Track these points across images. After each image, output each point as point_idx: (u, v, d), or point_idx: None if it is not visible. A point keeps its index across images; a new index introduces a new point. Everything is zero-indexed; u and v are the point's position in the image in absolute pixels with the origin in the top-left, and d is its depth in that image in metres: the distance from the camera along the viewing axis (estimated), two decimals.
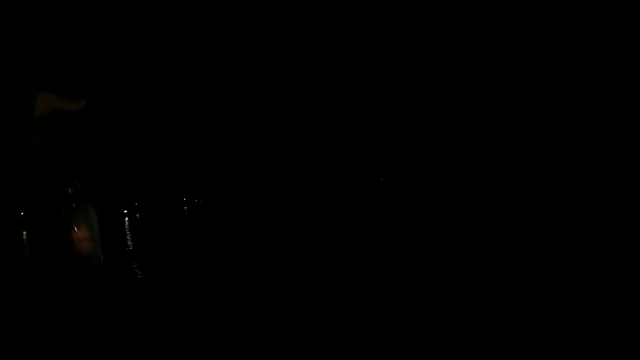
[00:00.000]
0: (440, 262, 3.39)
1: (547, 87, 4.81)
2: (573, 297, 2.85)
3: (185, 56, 4.74)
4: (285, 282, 3.45)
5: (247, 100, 4.77)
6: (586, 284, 2.96)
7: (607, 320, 2.58)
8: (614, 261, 3.19)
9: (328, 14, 4.35)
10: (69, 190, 1.30)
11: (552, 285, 3.01)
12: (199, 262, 4.19)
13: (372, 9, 4.29)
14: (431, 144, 4.36)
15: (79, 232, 1.33)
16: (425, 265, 3.41)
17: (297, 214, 4.11)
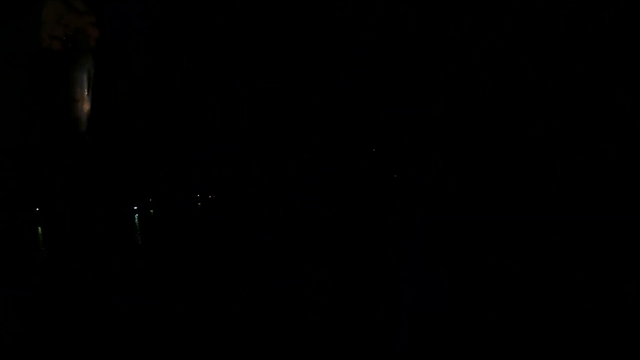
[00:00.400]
0: (440, 262, 3.39)
1: (547, 87, 4.81)
2: (573, 297, 2.85)
3: (185, 56, 4.74)
4: (285, 282, 3.45)
5: (247, 100, 4.77)
6: (586, 284, 2.96)
7: (607, 320, 2.58)
8: (614, 261, 3.19)
9: (328, 14, 4.35)
10: (75, 46, 1.17)
11: (552, 285, 3.01)
12: (199, 262, 4.19)
13: (372, 9, 4.29)
14: (431, 144, 4.36)
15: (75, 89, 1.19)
16: (425, 265, 3.41)
17: (297, 214, 4.11)
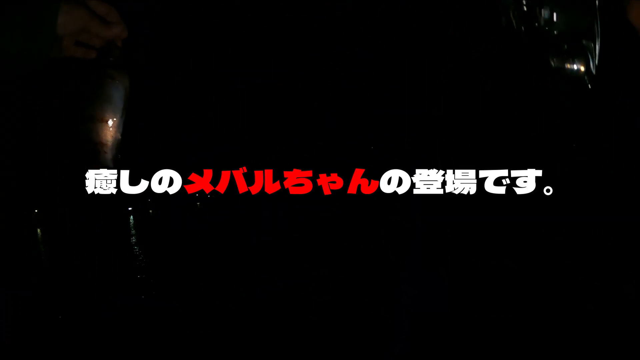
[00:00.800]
0: (440, 262, 3.39)
1: (547, 87, 4.80)
2: (573, 297, 2.85)
3: (185, 56, 4.74)
4: (285, 282, 3.45)
5: (247, 100, 4.77)
6: (586, 284, 2.96)
7: (607, 320, 2.58)
8: (614, 261, 3.19)
9: (328, 14, 4.34)
10: (103, 55, 1.04)
11: (552, 286, 3.01)
12: (199, 262, 4.19)
13: (372, 9, 4.29)
14: (431, 144, 4.36)
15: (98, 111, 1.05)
16: (425, 265, 3.41)
17: (297, 214, 4.11)
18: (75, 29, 0.99)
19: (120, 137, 1.06)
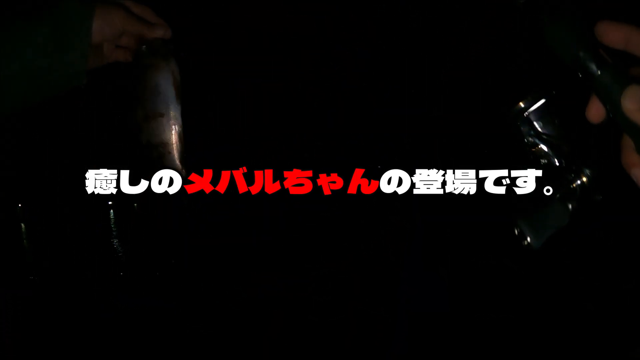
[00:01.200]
0: (440, 262, 3.39)
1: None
2: (573, 297, 2.85)
3: (185, 56, 4.73)
4: (285, 282, 3.45)
5: (247, 100, 4.77)
6: (586, 284, 2.96)
7: (607, 320, 2.58)
8: (614, 261, 3.19)
9: (328, 14, 4.34)
10: (142, 48, 0.94)
11: (552, 286, 3.01)
12: (199, 262, 4.19)
13: (372, 9, 4.29)
14: (431, 144, 4.36)
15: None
16: (425, 265, 3.41)
17: (297, 214, 4.10)
18: (114, 33, 0.91)
19: (182, 132, 0.99)
